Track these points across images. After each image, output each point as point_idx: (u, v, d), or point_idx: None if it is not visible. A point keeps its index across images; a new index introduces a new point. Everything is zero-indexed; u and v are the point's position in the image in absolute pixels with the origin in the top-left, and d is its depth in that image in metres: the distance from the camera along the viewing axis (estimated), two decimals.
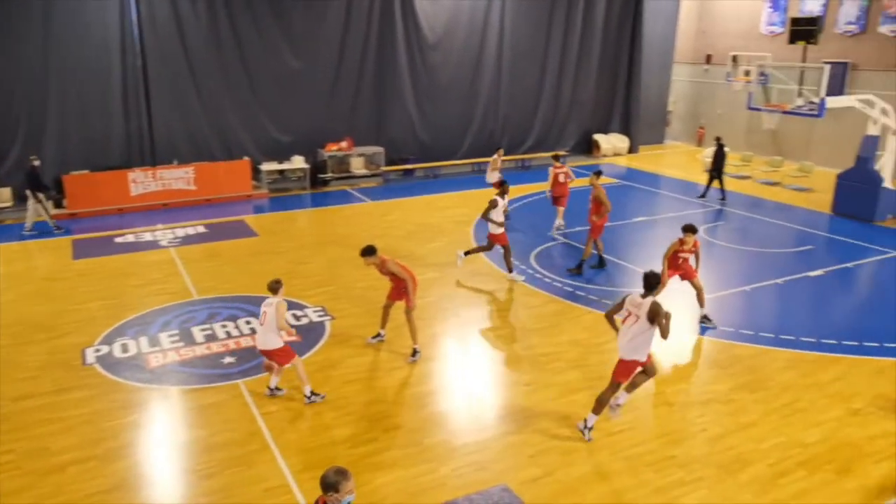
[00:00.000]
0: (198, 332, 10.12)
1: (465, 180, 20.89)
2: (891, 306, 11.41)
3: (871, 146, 16.37)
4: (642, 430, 7.75)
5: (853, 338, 10.11)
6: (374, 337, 9.91)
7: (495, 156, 16.81)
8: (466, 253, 12.83)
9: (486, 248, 12.65)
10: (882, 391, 8.59)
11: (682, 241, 10.18)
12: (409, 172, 21.53)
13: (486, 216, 12.02)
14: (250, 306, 11.01)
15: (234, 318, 10.63)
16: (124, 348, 9.62)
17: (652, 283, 7.25)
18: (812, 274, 12.83)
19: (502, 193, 12.15)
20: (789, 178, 20.74)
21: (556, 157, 15.48)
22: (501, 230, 12.11)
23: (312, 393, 8.28)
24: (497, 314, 11.04)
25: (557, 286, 12.10)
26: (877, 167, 16.60)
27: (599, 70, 24.81)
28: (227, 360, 9.33)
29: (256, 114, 19.37)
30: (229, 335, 10.05)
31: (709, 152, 22.66)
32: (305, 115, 19.91)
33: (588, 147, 25.39)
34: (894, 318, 10.84)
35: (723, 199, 18.27)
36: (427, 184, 20.36)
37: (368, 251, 8.98)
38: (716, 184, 18.36)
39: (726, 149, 18.43)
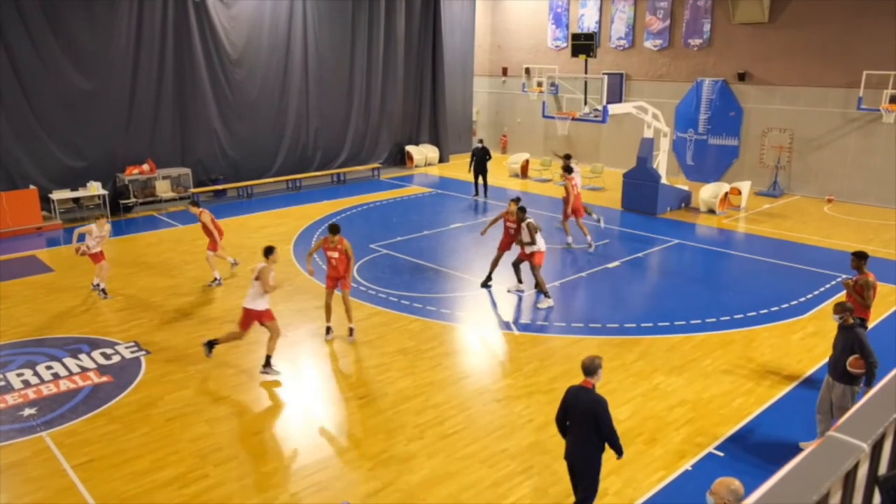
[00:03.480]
0: None
1: (281, 198, 20.50)
2: (676, 289, 12.88)
3: (648, 147, 18.34)
4: (474, 429, 8.09)
5: (649, 320, 11.28)
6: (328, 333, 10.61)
7: (94, 226, 12.00)
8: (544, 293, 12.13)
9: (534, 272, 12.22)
10: (675, 365, 9.67)
11: None
12: (220, 193, 20.68)
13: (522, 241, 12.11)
14: (50, 349, 10.00)
15: (31, 365, 9.59)
16: None
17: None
18: (610, 266, 14.11)
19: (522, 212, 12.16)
20: (585, 180, 22.55)
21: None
22: (534, 248, 12.02)
23: None
24: (324, 330, 10.94)
25: (382, 297, 12.25)
26: (655, 166, 18.64)
27: (405, 83, 25.50)
28: (28, 411, 8.41)
29: (41, 139, 17.56)
30: (28, 384, 9.06)
31: (514, 158, 24.21)
32: (100, 139, 18.42)
33: (402, 158, 25.98)
34: (680, 299, 12.24)
35: (477, 194, 20.32)
36: (240, 204, 19.69)
37: (335, 229, 10.09)
38: (480, 180, 20.09)
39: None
